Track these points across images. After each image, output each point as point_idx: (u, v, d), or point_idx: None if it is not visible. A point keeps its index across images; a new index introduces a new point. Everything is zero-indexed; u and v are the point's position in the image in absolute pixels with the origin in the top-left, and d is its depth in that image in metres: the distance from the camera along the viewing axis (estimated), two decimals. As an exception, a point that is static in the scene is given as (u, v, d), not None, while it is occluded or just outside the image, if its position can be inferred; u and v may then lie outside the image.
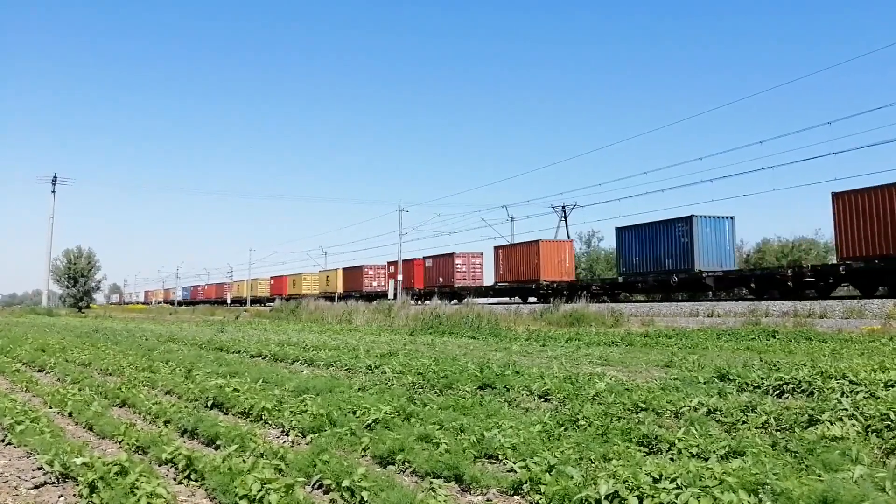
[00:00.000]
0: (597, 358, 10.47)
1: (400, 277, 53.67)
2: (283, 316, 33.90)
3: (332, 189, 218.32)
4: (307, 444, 5.42)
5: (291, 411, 6.33)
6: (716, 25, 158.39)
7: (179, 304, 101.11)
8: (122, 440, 5.62)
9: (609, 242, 60.15)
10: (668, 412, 5.86)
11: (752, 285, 29.79)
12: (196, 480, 4.47)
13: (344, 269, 66.42)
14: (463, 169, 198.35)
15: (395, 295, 48.60)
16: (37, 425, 5.96)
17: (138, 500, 3.80)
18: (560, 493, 3.75)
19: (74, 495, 4.29)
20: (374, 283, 60.64)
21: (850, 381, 6.18)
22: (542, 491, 3.89)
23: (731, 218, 31.21)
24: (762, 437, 4.95)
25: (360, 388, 7.66)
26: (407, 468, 4.69)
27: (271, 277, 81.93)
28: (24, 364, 12.01)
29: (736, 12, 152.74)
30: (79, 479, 4.39)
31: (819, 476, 3.76)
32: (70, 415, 6.97)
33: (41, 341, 15.99)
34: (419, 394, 7.39)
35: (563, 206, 52.60)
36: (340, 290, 63.57)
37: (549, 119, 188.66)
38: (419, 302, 43.88)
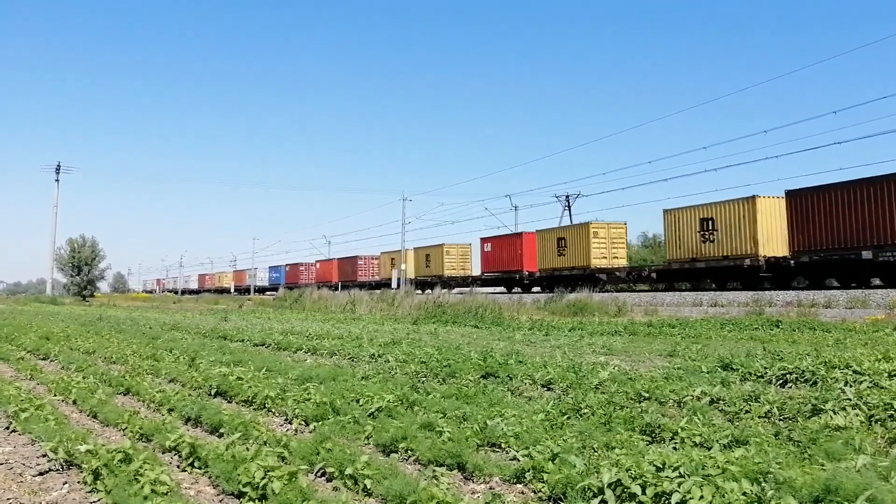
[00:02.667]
0: (600, 347, 10.46)
1: (403, 266, 53.67)
2: (286, 305, 33.96)
3: (335, 179, 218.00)
4: (310, 432, 5.44)
5: (295, 399, 6.34)
6: (720, 15, 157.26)
7: (264, 290, 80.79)
8: (126, 428, 5.64)
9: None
10: (671, 401, 5.86)
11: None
12: (199, 468, 4.48)
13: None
14: (466, 158, 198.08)
15: (398, 284, 48.60)
16: (41, 413, 5.98)
17: (142, 487, 3.81)
18: (563, 482, 3.75)
19: (79, 482, 4.31)
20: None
21: (854, 371, 6.17)
22: (545, 479, 3.89)
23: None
24: (765, 427, 4.94)
25: (363, 377, 7.67)
26: (410, 456, 4.69)
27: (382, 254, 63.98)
28: (28, 352, 12.07)
29: (740, 1, 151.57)
30: (83, 466, 4.41)
31: (822, 465, 3.76)
32: (74, 402, 7.00)
33: (45, 329, 16.05)
34: (422, 382, 7.40)
35: (567, 196, 52.61)
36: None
37: (553, 108, 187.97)
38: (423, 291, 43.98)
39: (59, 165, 66.50)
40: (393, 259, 55.14)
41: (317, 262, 74.77)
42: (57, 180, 66.73)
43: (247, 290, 56.45)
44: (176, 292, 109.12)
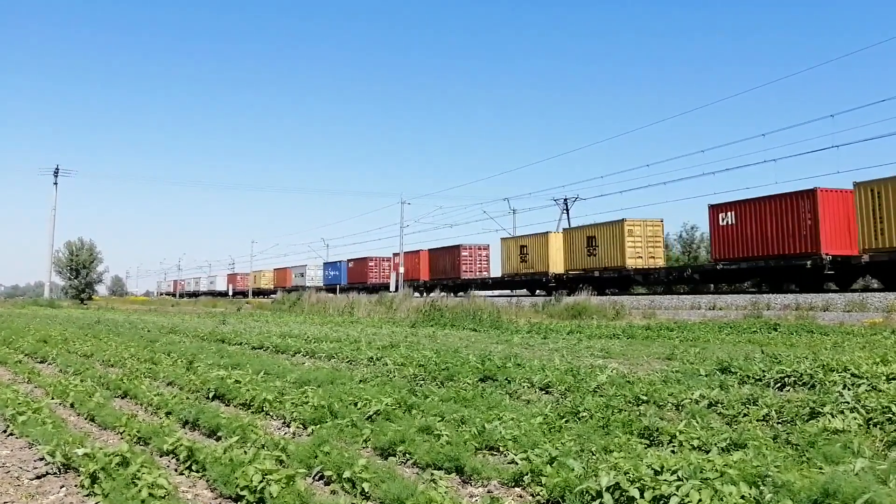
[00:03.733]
0: (598, 350, 10.46)
1: (401, 269, 53.63)
2: (284, 308, 33.93)
3: (333, 181, 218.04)
4: (308, 435, 5.42)
5: (293, 403, 6.33)
6: (718, 18, 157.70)
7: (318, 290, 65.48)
8: (124, 431, 5.62)
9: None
10: (670, 405, 5.85)
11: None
12: (197, 471, 4.47)
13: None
14: (465, 161, 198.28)
15: (396, 287, 48.56)
16: (39, 416, 5.97)
17: (139, 490, 3.80)
18: (561, 485, 3.75)
19: (76, 486, 4.30)
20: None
21: (852, 374, 6.17)
22: (543, 482, 3.89)
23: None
24: (763, 430, 4.94)
25: (361, 380, 7.66)
26: (408, 460, 4.69)
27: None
28: (26, 355, 12.03)
29: (738, 4, 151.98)
30: (80, 469, 4.40)
31: (820, 468, 3.76)
32: (72, 406, 6.99)
33: (43, 332, 16.02)
34: (420, 385, 7.39)
35: (565, 199, 52.62)
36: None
37: (551, 112, 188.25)
38: (424, 294, 43.72)
39: (57, 168, 66.41)
40: (524, 247, 44.06)
41: (395, 254, 58.34)
42: (55, 183, 66.63)
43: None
44: (196, 295, 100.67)
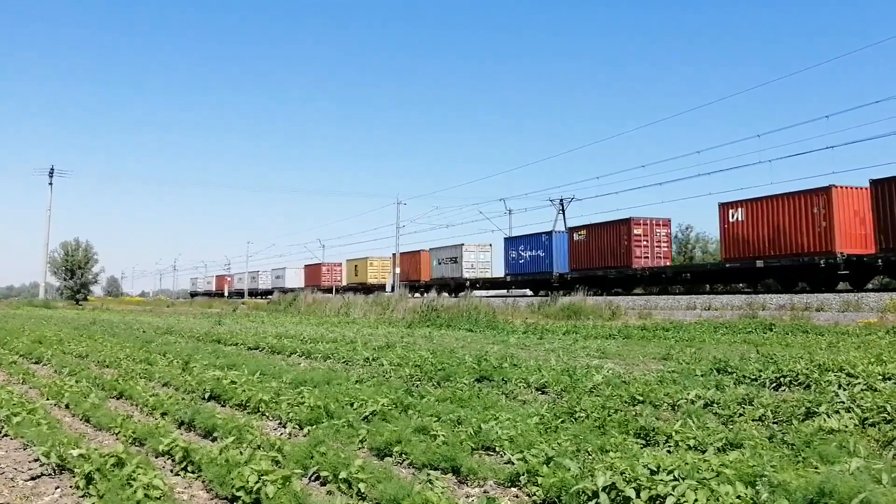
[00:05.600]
0: (594, 351, 10.47)
1: (397, 270, 53.62)
2: (280, 308, 33.88)
3: (329, 182, 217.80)
4: (304, 435, 5.42)
5: (289, 403, 6.32)
6: (713, 19, 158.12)
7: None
8: (119, 432, 5.61)
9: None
10: (666, 405, 5.86)
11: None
12: (193, 472, 4.46)
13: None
14: (461, 162, 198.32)
15: (392, 288, 48.52)
16: (33, 417, 5.94)
17: (135, 491, 3.79)
18: (557, 485, 3.75)
19: (71, 487, 4.28)
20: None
21: (848, 374, 6.19)
22: (540, 483, 3.89)
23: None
24: (759, 430, 4.95)
25: (357, 381, 7.65)
26: (404, 460, 4.68)
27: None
28: (20, 356, 11.99)
29: (733, 6, 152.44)
30: (75, 470, 4.38)
31: (816, 468, 3.76)
32: (67, 406, 6.96)
33: (38, 333, 15.96)
34: (416, 386, 7.39)
35: (561, 200, 52.48)
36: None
37: (548, 113, 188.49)
38: (422, 295, 43.40)
39: (52, 169, 66.21)
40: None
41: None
42: (50, 184, 66.45)
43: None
44: (257, 294, 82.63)
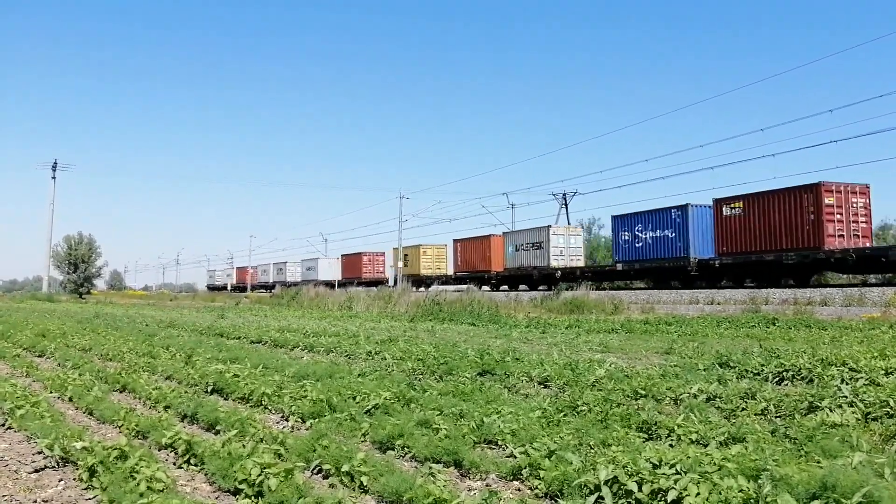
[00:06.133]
0: (596, 345, 10.47)
1: (400, 264, 53.56)
2: (283, 302, 33.94)
3: (332, 176, 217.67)
4: (307, 429, 5.43)
5: (291, 397, 6.33)
6: (717, 12, 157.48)
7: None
8: (122, 425, 5.62)
9: (607, 230, 59.00)
10: (668, 399, 5.86)
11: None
12: (196, 465, 4.48)
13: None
14: (464, 156, 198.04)
15: (395, 282, 48.49)
16: (37, 410, 5.96)
17: (138, 484, 3.80)
18: (559, 479, 3.76)
19: (74, 479, 4.30)
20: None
21: (850, 369, 6.18)
22: (542, 476, 3.90)
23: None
24: (762, 424, 4.95)
25: (359, 374, 7.66)
26: (406, 453, 4.69)
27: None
28: (24, 349, 12.03)
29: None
30: (79, 463, 4.40)
31: (818, 462, 3.76)
32: (70, 399, 6.98)
33: (41, 327, 16.01)
34: (419, 380, 7.40)
35: (564, 194, 52.40)
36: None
37: (551, 106, 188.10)
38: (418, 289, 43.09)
39: (55, 163, 66.22)
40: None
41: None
42: (53, 177, 66.47)
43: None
44: (288, 285, 60.92)
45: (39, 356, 11.22)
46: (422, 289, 43.69)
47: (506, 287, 42.26)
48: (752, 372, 6.79)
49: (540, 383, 6.97)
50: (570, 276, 37.15)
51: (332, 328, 14.74)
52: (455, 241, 48.91)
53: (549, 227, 40.27)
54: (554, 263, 39.06)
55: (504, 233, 44.95)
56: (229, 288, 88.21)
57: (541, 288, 37.22)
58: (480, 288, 36.79)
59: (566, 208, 52.68)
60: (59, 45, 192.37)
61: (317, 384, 6.82)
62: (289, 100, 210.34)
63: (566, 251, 39.97)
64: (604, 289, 32.68)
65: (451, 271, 51.93)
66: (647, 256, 32.87)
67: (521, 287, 41.61)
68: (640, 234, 33.36)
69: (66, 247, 75.16)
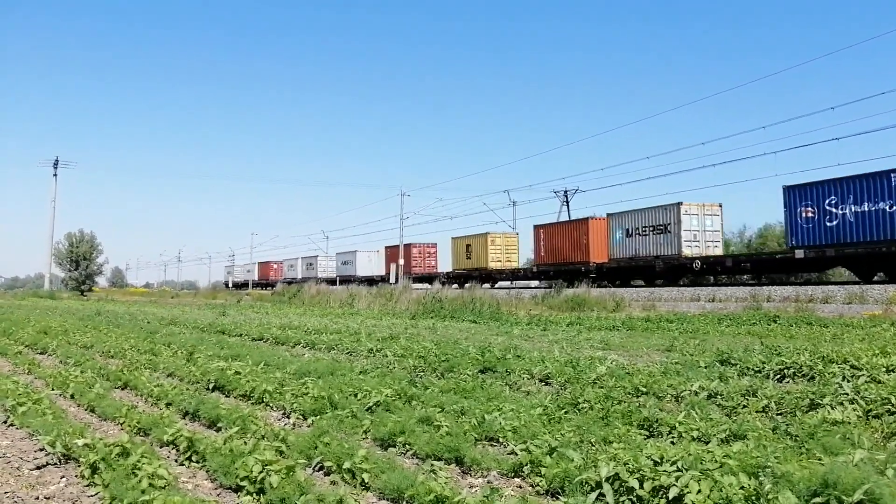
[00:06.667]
0: (598, 342, 10.47)
1: (401, 261, 53.49)
2: (284, 300, 33.96)
3: (332, 174, 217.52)
4: (308, 426, 5.43)
5: (293, 394, 6.34)
6: (718, 10, 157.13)
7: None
8: (124, 422, 5.63)
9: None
10: (669, 396, 5.86)
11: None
12: (197, 462, 4.48)
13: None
14: (465, 153, 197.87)
15: (396, 279, 48.39)
16: (39, 407, 5.97)
17: (140, 481, 3.80)
18: (560, 475, 3.76)
19: (76, 476, 4.30)
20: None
21: (852, 366, 6.18)
22: (543, 473, 3.90)
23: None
24: (763, 421, 4.95)
25: (361, 371, 7.67)
26: (408, 450, 4.69)
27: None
28: (26, 346, 12.04)
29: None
30: (81, 460, 4.41)
31: (820, 459, 3.76)
32: (72, 397, 6.99)
33: (43, 324, 16.03)
34: (420, 377, 7.40)
35: (565, 191, 52.32)
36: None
37: (552, 104, 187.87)
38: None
39: (57, 160, 66.31)
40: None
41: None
42: (55, 175, 66.60)
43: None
44: (334, 282, 55.95)
45: (41, 353, 11.23)
46: (486, 285, 38.58)
47: (607, 283, 33.65)
48: (753, 369, 6.78)
49: (541, 380, 6.97)
50: (713, 268, 28.42)
51: (334, 325, 14.75)
52: (536, 226, 39.52)
53: (680, 204, 29.71)
54: (687, 252, 29.22)
55: (609, 214, 34.20)
56: (251, 285, 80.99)
57: (658, 282, 30.41)
58: (573, 284, 30.42)
59: (567, 205, 52.60)
60: (60, 44, 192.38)
61: (318, 381, 6.82)
62: (289, 98, 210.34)
63: (701, 235, 29.86)
64: (787, 284, 25.40)
65: (520, 264, 45.83)
66: (846, 240, 23.08)
67: (637, 283, 33.29)
68: (833, 210, 23.69)
69: (67, 244, 75.14)
